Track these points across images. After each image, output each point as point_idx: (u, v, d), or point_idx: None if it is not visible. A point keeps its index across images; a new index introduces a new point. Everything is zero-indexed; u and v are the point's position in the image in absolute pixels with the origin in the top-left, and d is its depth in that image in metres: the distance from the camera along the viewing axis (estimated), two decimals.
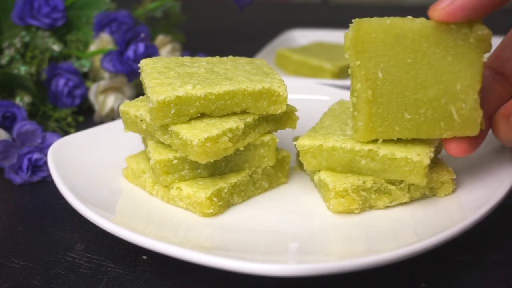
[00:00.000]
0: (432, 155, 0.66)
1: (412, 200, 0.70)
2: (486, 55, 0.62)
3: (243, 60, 0.76)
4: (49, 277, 0.63)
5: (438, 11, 0.60)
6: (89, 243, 0.69)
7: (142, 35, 1.03)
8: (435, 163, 0.71)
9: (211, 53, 0.83)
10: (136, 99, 0.75)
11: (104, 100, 1.05)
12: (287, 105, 0.71)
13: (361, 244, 0.63)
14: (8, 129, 0.89)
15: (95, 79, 1.10)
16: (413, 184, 0.68)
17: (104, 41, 1.07)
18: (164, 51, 1.15)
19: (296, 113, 0.74)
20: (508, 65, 0.68)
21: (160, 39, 1.15)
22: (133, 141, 0.81)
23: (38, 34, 1.04)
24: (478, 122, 0.62)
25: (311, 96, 0.96)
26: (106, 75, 1.07)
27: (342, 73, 1.21)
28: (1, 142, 0.85)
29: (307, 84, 1.01)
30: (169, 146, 0.69)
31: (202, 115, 0.68)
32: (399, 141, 0.67)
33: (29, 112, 1.00)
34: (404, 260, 0.56)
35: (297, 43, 1.45)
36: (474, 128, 0.63)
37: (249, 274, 0.55)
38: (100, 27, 1.08)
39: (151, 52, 1.03)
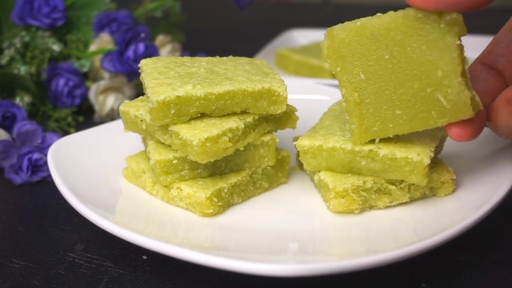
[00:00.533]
0: (432, 155, 0.66)
1: (412, 200, 0.70)
2: (466, 41, 0.62)
3: (243, 60, 0.76)
4: (49, 277, 0.63)
5: None
6: (89, 243, 0.69)
7: (142, 35, 1.03)
8: (435, 163, 0.71)
9: (211, 53, 0.83)
10: (136, 99, 0.75)
11: (104, 100, 1.05)
12: (287, 105, 0.71)
13: (361, 244, 0.63)
14: (8, 129, 0.89)
15: (95, 79, 1.10)
16: (413, 184, 0.68)
17: (104, 41, 1.07)
18: (164, 51, 1.15)
19: (296, 113, 0.74)
20: (501, 60, 0.67)
21: (160, 39, 1.15)
22: (133, 141, 0.81)
23: (38, 34, 1.04)
24: (468, 104, 0.61)
25: (311, 96, 0.96)
26: (106, 75, 1.07)
27: None
28: (1, 142, 0.85)
29: (307, 84, 1.01)
30: (169, 146, 0.69)
31: (202, 115, 0.68)
32: (399, 141, 0.67)
33: (29, 112, 1.00)
34: (404, 260, 0.56)
35: (297, 43, 1.45)
36: (466, 111, 0.62)
37: (249, 274, 0.55)
38: (100, 27, 1.08)
39: (151, 52, 1.03)
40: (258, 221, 0.68)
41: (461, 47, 0.61)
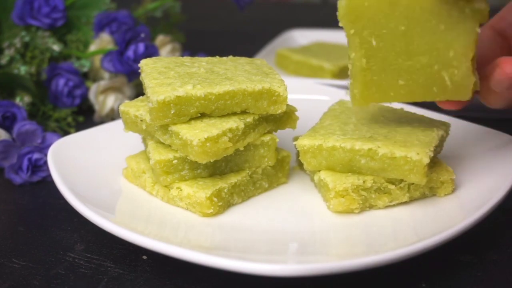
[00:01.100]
0: (431, 154, 0.66)
1: (412, 200, 0.70)
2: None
3: (243, 60, 0.76)
4: (49, 277, 0.63)
5: None
6: (89, 243, 0.69)
7: (142, 35, 1.03)
8: (435, 163, 0.71)
9: (211, 53, 0.83)
10: (136, 99, 0.75)
11: (104, 100, 1.05)
12: (287, 105, 0.71)
13: (361, 244, 0.63)
14: (8, 129, 0.89)
15: (95, 79, 1.10)
16: (413, 184, 0.68)
17: (104, 41, 1.07)
18: (164, 51, 1.15)
19: (296, 113, 0.74)
20: (510, 29, 0.67)
21: (160, 39, 1.15)
22: (133, 141, 0.81)
23: (38, 34, 1.04)
24: (470, 89, 0.63)
25: (311, 96, 0.96)
26: (106, 75, 1.07)
27: (342, 73, 1.21)
28: (1, 142, 0.85)
29: (307, 84, 1.01)
30: (169, 146, 0.69)
31: (202, 115, 0.68)
32: (399, 140, 0.67)
33: (29, 112, 1.00)
34: (404, 260, 0.56)
35: (297, 43, 1.45)
36: (466, 94, 0.63)
37: (249, 274, 0.55)
38: (100, 27, 1.08)
39: (151, 52, 1.02)
40: (258, 221, 0.68)
41: (477, 35, 0.61)
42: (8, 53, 1.02)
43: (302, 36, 1.48)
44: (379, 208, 0.69)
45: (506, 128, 0.81)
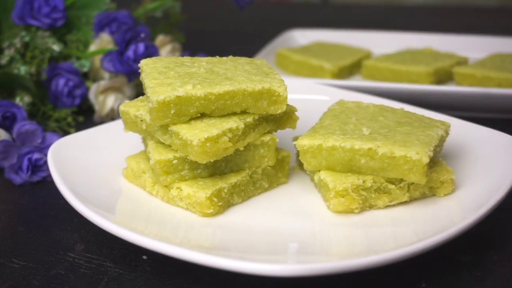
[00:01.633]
0: (431, 154, 0.66)
1: (412, 200, 0.70)
2: None
3: (243, 60, 0.76)
4: (49, 277, 0.63)
5: None
6: (89, 243, 0.69)
7: (142, 35, 1.03)
8: (435, 163, 0.71)
9: (211, 53, 0.83)
10: (136, 99, 0.75)
11: (104, 100, 1.05)
12: (287, 105, 0.71)
13: (361, 244, 0.63)
14: (8, 129, 0.89)
15: (95, 79, 1.10)
16: (412, 183, 0.68)
17: (104, 41, 1.07)
18: (164, 51, 1.15)
19: (296, 113, 0.74)
20: None
21: (160, 39, 1.15)
22: (133, 141, 0.81)
23: (38, 34, 1.04)
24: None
25: (311, 96, 0.96)
26: (106, 75, 1.07)
27: (342, 73, 1.21)
28: (1, 142, 0.85)
29: (307, 84, 1.01)
30: (169, 146, 0.69)
31: (202, 115, 0.68)
32: (398, 140, 0.67)
33: (29, 112, 1.00)
34: (404, 260, 0.56)
35: (297, 43, 1.45)
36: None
37: (249, 274, 0.55)
38: (100, 27, 1.08)
39: (151, 52, 1.03)
40: (258, 221, 0.68)
41: None
42: (8, 53, 1.02)
43: (302, 36, 1.48)
44: (379, 208, 0.69)
45: (506, 128, 0.81)
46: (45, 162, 0.83)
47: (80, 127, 1.00)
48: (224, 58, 0.76)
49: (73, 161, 0.76)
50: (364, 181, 0.67)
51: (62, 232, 0.72)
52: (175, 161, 0.69)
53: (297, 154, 0.76)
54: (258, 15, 2.01)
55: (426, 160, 0.65)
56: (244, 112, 0.69)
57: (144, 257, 0.66)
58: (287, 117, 0.74)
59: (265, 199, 0.73)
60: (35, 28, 1.05)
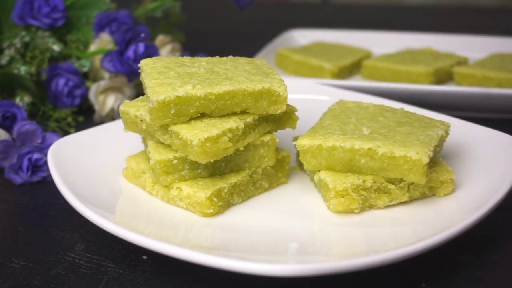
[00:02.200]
0: (431, 154, 0.66)
1: (412, 200, 0.70)
2: None
3: (243, 60, 0.76)
4: (49, 277, 0.63)
5: None
6: (89, 243, 0.69)
7: (142, 35, 1.03)
8: (435, 163, 0.71)
9: (211, 53, 0.83)
10: (136, 99, 0.75)
11: (104, 100, 1.05)
12: (287, 105, 0.71)
13: (361, 244, 0.63)
14: (8, 129, 0.89)
15: (95, 79, 1.10)
16: (412, 183, 0.69)
17: (104, 41, 1.07)
18: (164, 51, 1.15)
19: (296, 113, 0.74)
20: None
21: (160, 39, 1.15)
22: (133, 141, 0.81)
23: (38, 34, 1.04)
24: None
25: (311, 96, 0.96)
26: (106, 75, 1.07)
27: (342, 73, 1.21)
28: (1, 142, 0.85)
29: (307, 84, 1.01)
30: (169, 146, 0.69)
31: (202, 115, 0.68)
32: (399, 139, 0.67)
33: (29, 112, 1.00)
34: (404, 260, 0.56)
35: (297, 43, 1.45)
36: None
37: (249, 274, 0.55)
38: (100, 27, 1.08)
39: (151, 52, 1.03)
40: (258, 221, 0.68)
41: None
42: (8, 53, 1.02)
43: (302, 36, 1.48)
44: (379, 208, 0.69)
45: (506, 128, 0.81)
46: (45, 162, 0.83)
47: (80, 127, 1.00)
48: (224, 58, 0.76)
49: (73, 161, 0.76)
50: (364, 181, 0.67)
51: (62, 232, 0.72)
52: (175, 161, 0.69)
53: (297, 154, 0.76)
54: (258, 15, 2.01)
55: (426, 160, 0.65)
56: (244, 112, 0.69)
57: (144, 257, 0.66)
58: (287, 117, 0.74)
59: (265, 199, 0.73)
60: (35, 28, 1.05)
